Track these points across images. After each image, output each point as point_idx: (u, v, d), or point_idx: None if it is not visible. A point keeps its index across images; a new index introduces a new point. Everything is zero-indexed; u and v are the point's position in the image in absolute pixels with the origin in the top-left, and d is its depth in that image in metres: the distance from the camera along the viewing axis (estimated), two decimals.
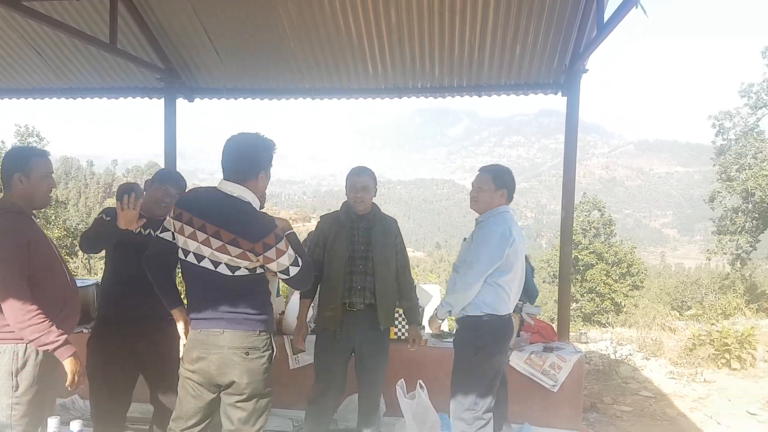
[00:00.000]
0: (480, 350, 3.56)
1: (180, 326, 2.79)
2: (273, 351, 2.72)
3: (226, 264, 2.60)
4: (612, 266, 36.63)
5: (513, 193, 3.67)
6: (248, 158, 2.70)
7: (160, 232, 2.74)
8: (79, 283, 5.12)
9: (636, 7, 3.53)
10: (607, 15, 4.33)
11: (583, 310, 35.27)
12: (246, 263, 2.62)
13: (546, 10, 4.99)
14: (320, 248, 3.76)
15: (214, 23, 5.38)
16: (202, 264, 2.62)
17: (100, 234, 3.17)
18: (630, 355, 8.69)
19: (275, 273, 2.68)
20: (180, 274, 2.92)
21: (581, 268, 37.20)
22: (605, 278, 36.38)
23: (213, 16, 5.29)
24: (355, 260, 3.70)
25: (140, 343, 3.26)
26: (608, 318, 32.26)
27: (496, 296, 3.50)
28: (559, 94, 5.81)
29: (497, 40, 5.33)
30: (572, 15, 5.01)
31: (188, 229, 2.62)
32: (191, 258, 2.64)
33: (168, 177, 3.39)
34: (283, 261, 2.63)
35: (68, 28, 4.34)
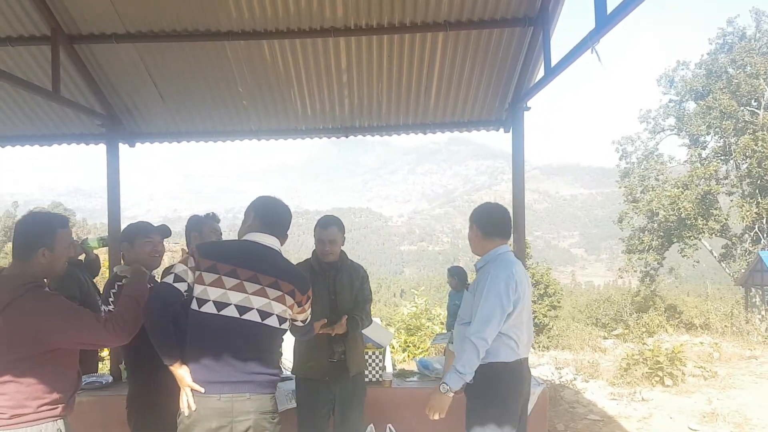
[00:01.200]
0: (491, 401, 3.26)
1: (186, 376, 2.51)
2: None
3: (277, 315, 2.56)
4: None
5: (506, 229, 3.41)
6: (285, 218, 2.78)
7: (174, 281, 2.51)
8: None
9: (591, 52, 3.68)
10: (554, 57, 4.52)
11: None
12: (289, 313, 2.64)
13: (490, 54, 5.19)
14: None
15: (159, 68, 5.23)
16: (245, 316, 2.49)
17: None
18: (574, 379, 8.94)
19: (297, 321, 2.78)
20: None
21: None
22: None
23: (159, 61, 5.14)
24: (324, 308, 3.67)
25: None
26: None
27: (501, 344, 3.20)
28: (501, 130, 6.01)
29: (443, 81, 5.46)
30: (515, 57, 5.22)
31: (231, 281, 2.49)
32: (229, 311, 2.48)
33: (150, 229, 3.28)
34: (309, 311, 2.79)
35: (11, 77, 4.07)
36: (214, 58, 5.15)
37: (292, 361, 4.04)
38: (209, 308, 2.48)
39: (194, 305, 2.51)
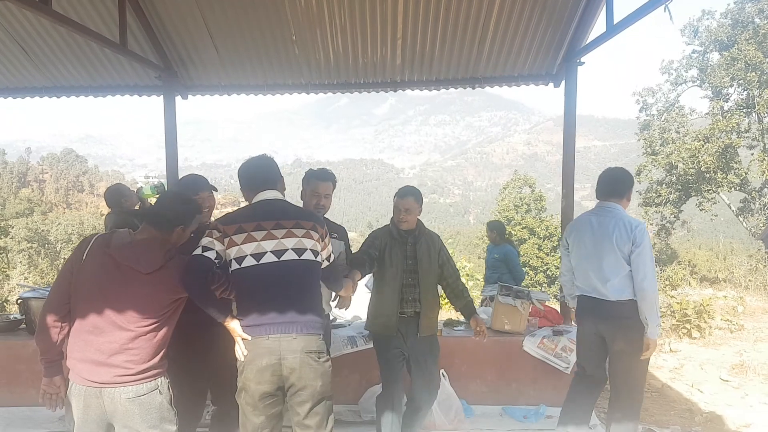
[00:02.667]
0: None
1: (237, 328, 2.72)
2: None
3: (311, 249, 2.77)
4: (543, 240, 37.95)
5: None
6: (269, 170, 2.98)
7: (203, 252, 2.69)
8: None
9: (664, 10, 3.68)
10: (617, 13, 4.51)
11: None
12: (320, 247, 2.87)
13: (547, 7, 5.15)
14: (374, 250, 3.90)
15: (218, 20, 5.26)
16: (284, 258, 2.70)
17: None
18: None
19: (324, 261, 2.94)
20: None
21: (515, 243, 38.38)
22: (537, 252, 37.67)
23: (217, 13, 5.17)
24: (405, 273, 3.91)
25: (209, 354, 3.30)
26: (541, 290, 33.47)
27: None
28: (551, 85, 6.02)
29: (498, 33, 5.45)
30: (572, 11, 5.17)
31: (260, 233, 2.71)
32: (268, 258, 2.68)
33: (195, 187, 3.36)
34: (330, 248, 2.99)
35: (83, 29, 4.12)
36: (272, 11, 5.18)
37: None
38: (249, 262, 2.68)
39: (234, 266, 2.70)
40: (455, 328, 5.39)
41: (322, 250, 2.88)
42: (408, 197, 3.91)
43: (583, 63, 5.50)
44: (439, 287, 4.17)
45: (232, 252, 2.68)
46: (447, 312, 9.97)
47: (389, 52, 5.66)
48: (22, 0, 3.49)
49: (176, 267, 2.60)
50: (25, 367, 4.99)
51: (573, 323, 5.46)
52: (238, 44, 5.59)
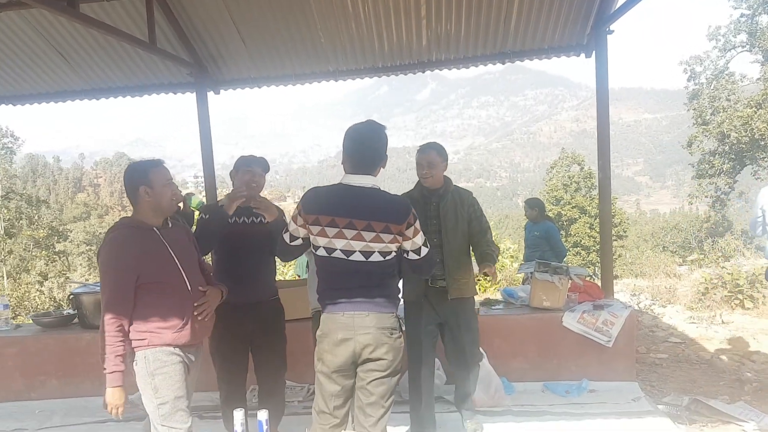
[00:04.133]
0: None
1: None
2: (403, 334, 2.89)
3: (379, 252, 2.73)
4: (595, 219, 37.16)
5: None
6: (373, 149, 2.80)
7: (290, 241, 2.88)
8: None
9: None
10: None
11: (570, 263, 35.81)
12: (394, 246, 2.77)
13: None
14: None
15: (243, 13, 5.35)
16: (352, 258, 2.72)
17: (212, 232, 3.41)
18: (652, 304, 8.95)
19: (408, 252, 2.83)
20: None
21: (565, 223, 37.76)
22: (589, 231, 36.95)
23: (243, 6, 5.25)
24: (429, 234, 3.70)
25: (252, 324, 3.57)
26: (594, 270, 32.92)
27: None
28: (582, 56, 5.90)
29: (524, 7, 5.37)
30: None
31: (332, 230, 2.72)
32: (338, 254, 2.73)
33: (252, 161, 3.61)
34: (418, 240, 2.81)
35: (115, 31, 4.27)
36: (295, 1, 5.22)
37: None
38: (322, 252, 2.76)
39: (312, 249, 2.83)
40: (493, 307, 5.38)
41: (402, 244, 2.80)
42: (429, 151, 3.77)
43: (612, 31, 5.36)
44: None
45: (321, 241, 2.77)
46: (483, 293, 9.95)
47: (414, 33, 5.64)
48: (49, 4, 3.62)
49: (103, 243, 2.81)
50: (80, 360, 5.21)
51: (613, 298, 5.40)
52: (264, 36, 5.66)
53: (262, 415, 2.16)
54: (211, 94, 6.21)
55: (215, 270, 3.60)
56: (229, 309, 3.36)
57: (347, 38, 5.70)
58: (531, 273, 5.69)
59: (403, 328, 2.90)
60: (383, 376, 2.75)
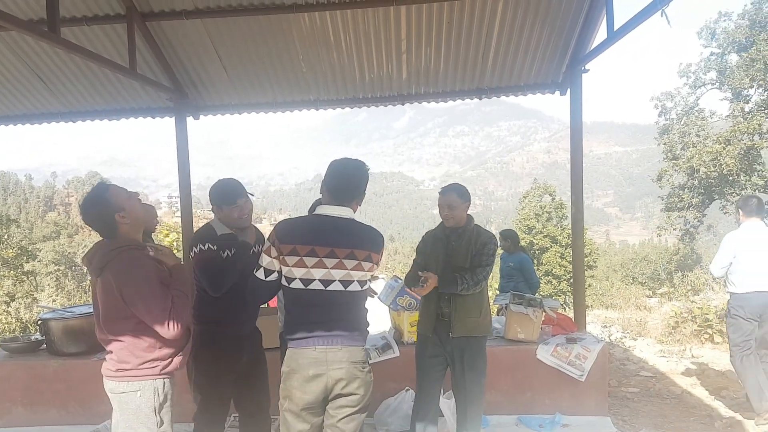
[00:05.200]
0: None
1: None
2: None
3: (357, 281, 2.75)
4: (566, 248, 37.55)
5: None
6: (354, 184, 2.83)
7: (265, 276, 2.76)
8: (86, 310, 5.13)
9: (661, 15, 3.70)
10: (617, 20, 4.53)
11: (541, 293, 36.04)
12: (369, 275, 2.79)
13: (550, 15, 5.20)
14: (420, 257, 4.03)
15: (225, 41, 5.39)
16: (330, 288, 2.71)
17: (236, 269, 3.26)
18: (623, 337, 9.05)
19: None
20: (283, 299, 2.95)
21: (537, 251, 38.11)
22: (560, 260, 37.31)
23: (225, 35, 5.30)
24: (443, 270, 3.83)
25: (246, 355, 3.48)
26: (565, 299, 33.16)
27: None
28: (557, 93, 6.04)
29: (502, 44, 5.51)
30: (575, 18, 5.22)
31: (311, 260, 2.69)
32: (315, 285, 2.71)
33: (234, 194, 3.37)
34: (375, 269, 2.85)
35: (94, 56, 4.26)
36: (278, 31, 5.29)
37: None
38: (297, 284, 2.71)
39: (284, 282, 2.76)
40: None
41: (372, 272, 2.84)
42: (450, 193, 3.87)
43: (588, 70, 5.52)
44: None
45: (284, 270, 2.74)
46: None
47: (395, 66, 5.74)
48: (29, 28, 3.61)
49: (118, 265, 2.63)
50: (47, 387, 5.10)
51: (586, 330, 5.45)
52: (246, 64, 5.70)
53: None
54: (190, 119, 6.21)
55: (204, 302, 3.40)
56: (227, 341, 3.34)
57: (329, 68, 5.76)
58: (506, 304, 5.74)
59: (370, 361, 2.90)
60: (354, 411, 2.74)
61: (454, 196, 3.85)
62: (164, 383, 2.74)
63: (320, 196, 2.93)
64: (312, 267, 2.68)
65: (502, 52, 5.59)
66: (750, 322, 5.14)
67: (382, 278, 8.25)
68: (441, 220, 3.95)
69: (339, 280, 2.70)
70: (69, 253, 42.07)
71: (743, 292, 5.14)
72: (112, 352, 2.71)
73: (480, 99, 6.27)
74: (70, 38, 4.72)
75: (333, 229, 2.74)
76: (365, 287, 2.83)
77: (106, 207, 2.69)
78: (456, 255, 3.85)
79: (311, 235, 2.73)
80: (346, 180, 2.81)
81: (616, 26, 4.49)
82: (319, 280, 2.69)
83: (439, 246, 3.92)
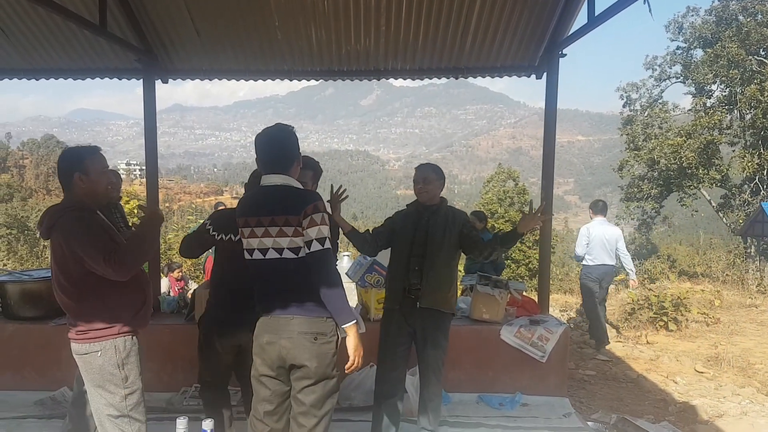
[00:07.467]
0: None
1: None
2: (339, 337, 2.81)
3: (288, 248, 2.73)
4: (525, 234, 37.89)
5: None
6: (280, 149, 2.85)
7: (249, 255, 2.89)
8: (44, 274, 5.00)
9: (644, 2, 3.70)
10: (598, 4, 4.53)
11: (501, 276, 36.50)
12: (300, 241, 2.70)
13: None
14: (386, 231, 4.00)
15: (199, 3, 5.19)
16: (268, 256, 2.76)
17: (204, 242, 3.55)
18: (581, 321, 9.22)
19: (310, 249, 2.72)
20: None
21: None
22: (520, 245, 37.69)
23: None
24: (415, 245, 3.86)
25: (244, 339, 3.35)
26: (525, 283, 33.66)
27: None
28: (533, 77, 6.04)
29: (481, 23, 5.44)
30: (555, 2, 5.19)
31: (247, 230, 2.81)
32: (257, 255, 2.79)
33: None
34: (311, 233, 2.67)
35: (62, 10, 4.05)
36: None
37: None
38: (247, 255, 2.85)
39: (246, 255, 2.89)
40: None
41: (306, 237, 2.67)
42: (426, 168, 3.94)
43: (565, 55, 5.51)
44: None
45: (246, 244, 2.86)
46: None
47: (372, 41, 5.64)
48: None
49: (68, 222, 2.68)
50: (1, 351, 4.95)
51: (549, 313, 5.52)
52: (219, 28, 5.52)
53: (207, 425, 2.10)
54: (159, 83, 5.97)
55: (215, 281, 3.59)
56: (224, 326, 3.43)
57: (305, 38, 5.62)
58: (472, 285, 5.77)
59: (340, 335, 2.81)
60: (311, 384, 2.72)
61: (429, 171, 3.92)
62: (125, 341, 2.77)
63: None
64: (248, 237, 2.81)
65: (481, 31, 5.53)
66: (595, 284, 7.64)
67: (346, 255, 8.21)
68: (405, 201, 4.02)
69: (272, 248, 2.75)
70: (22, 216, 40.74)
71: (592, 264, 7.66)
72: (70, 315, 2.77)
73: (456, 78, 6.23)
74: None
75: (262, 197, 2.82)
76: (302, 254, 2.70)
77: (74, 164, 2.77)
78: (433, 230, 3.86)
79: (247, 207, 2.87)
80: (269, 149, 2.84)
81: (597, 11, 4.49)
82: (257, 249, 2.79)
83: (412, 220, 3.93)
